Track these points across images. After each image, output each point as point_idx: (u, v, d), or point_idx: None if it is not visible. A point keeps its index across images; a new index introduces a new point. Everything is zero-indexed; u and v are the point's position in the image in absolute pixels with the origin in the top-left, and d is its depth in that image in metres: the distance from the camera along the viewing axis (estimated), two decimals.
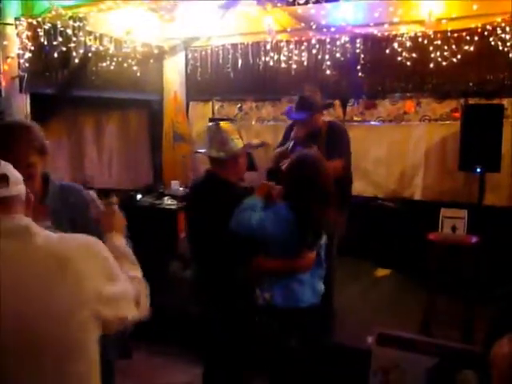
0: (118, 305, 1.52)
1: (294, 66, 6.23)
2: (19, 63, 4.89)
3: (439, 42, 5.43)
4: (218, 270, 2.90)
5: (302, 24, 5.75)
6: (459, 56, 5.36)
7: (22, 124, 2.04)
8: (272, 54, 6.35)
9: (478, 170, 4.75)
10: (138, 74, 6.32)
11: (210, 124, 3.23)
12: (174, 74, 7.09)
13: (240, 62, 6.58)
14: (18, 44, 4.86)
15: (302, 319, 2.90)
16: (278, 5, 5.37)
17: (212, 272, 2.96)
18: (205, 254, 2.97)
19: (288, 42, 6.26)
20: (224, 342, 2.99)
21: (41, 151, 1.98)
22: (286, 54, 6.27)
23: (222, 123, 3.03)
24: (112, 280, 1.51)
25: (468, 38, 5.32)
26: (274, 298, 2.88)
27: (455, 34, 5.37)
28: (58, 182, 2.28)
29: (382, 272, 5.80)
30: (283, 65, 6.29)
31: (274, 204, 2.83)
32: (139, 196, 5.75)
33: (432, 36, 5.45)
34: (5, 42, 4.81)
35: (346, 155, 4.19)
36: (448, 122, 5.74)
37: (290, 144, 4.15)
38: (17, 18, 4.82)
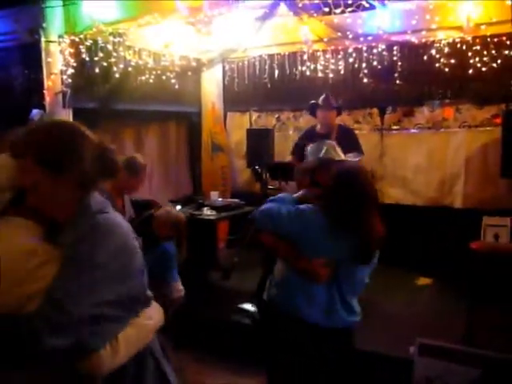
0: None
1: (331, 75, 6.24)
2: (62, 79, 5.04)
3: (478, 48, 5.36)
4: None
5: (339, 33, 5.75)
6: (499, 61, 5.28)
7: None
8: (309, 64, 6.39)
9: None
10: (177, 87, 6.43)
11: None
12: (211, 86, 7.17)
13: (277, 72, 6.63)
14: (61, 60, 5.01)
15: (297, 332, 2.73)
16: (314, 15, 5.39)
17: None
18: None
19: (324, 52, 6.28)
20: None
21: None
22: (322, 63, 6.30)
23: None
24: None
25: (508, 42, 5.24)
26: (276, 297, 2.81)
27: (495, 39, 5.29)
28: None
29: (423, 281, 5.73)
30: (320, 74, 6.31)
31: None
32: (179, 207, 5.81)
33: (471, 41, 5.38)
34: (49, 59, 4.97)
35: (362, 152, 5.07)
36: (489, 128, 5.65)
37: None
38: (60, 36, 4.97)
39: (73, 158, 1.57)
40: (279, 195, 2.95)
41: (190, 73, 6.69)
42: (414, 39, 5.61)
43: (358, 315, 2.83)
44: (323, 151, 3.11)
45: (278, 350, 2.86)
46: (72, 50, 5.05)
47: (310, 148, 3.28)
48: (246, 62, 6.90)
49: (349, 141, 4.92)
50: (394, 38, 5.67)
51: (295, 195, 2.98)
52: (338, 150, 3.21)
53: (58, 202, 1.60)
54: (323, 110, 5.14)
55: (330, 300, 2.70)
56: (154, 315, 1.83)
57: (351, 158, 3.44)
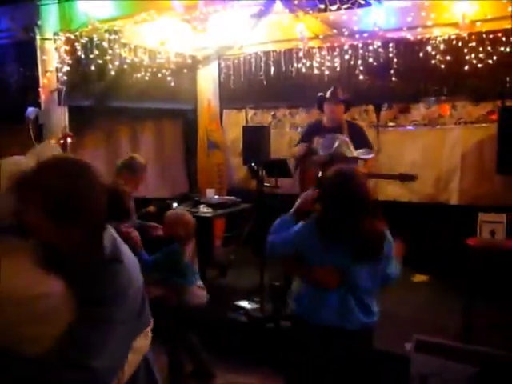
0: None
1: (327, 72, 6.23)
2: (57, 77, 5.02)
3: (474, 44, 5.35)
4: None
5: (334, 30, 5.74)
6: (495, 57, 5.28)
7: None
8: (304, 61, 6.37)
9: None
10: (172, 84, 6.41)
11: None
12: (207, 83, 7.16)
13: (273, 69, 6.61)
14: (56, 58, 4.99)
15: (317, 336, 2.80)
16: (310, 12, 5.38)
17: None
18: None
19: (320, 49, 6.26)
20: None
21: None
22: (318, 60, 6.28)
23: None
24: None
25: (504, 38, 5.24)
26: (296, 309, 2.89)
27: (490, 36, 5.29)
28: None
29: (419, 278, 5.74)
30: (316, 71, 6.30)
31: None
32: (175, 204, 5.81)
33: (466, 38, 5.37)
34: (44, 57, 4.95)
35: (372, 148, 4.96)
36: (484, 125, 5.67)
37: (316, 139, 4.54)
38: (55, 33, 4.95)
39: (79, 209, 1.48)
40: (276, 223, 2.98)
41: (185, 70, 6.67)
42: (409, 36, 5.59)
43: (375, 315, 2.85)
44: (335, 145, 3.08)
45: (297, 354, 2.91)
46: (67, 48, 5.02)
47: (322, 140, 3.26)
48: (241, 59, 6.88)
49: (359, 137, 4.88)
50: (390, 35, 5.66)
51: (292, 210, 2.99)
52: (351, 146, 3.18)
53: (63, 245, 1.51)
54: (330, 103, 5.07)
55: (345, 304, 2.74)
56: (149, 331, 1.84)
57: (363, 154, 3.35)
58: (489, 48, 5.30)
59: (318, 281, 2.74)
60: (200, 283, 3.99)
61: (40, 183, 1.47)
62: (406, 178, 4.43)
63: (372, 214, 2.66)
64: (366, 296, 2.79)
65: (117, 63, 5.49)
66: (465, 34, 5.36)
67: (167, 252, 3.83)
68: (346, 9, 5.04)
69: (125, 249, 1.68)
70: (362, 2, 4.98)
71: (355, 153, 3.19)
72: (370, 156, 3.71)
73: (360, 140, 4.80)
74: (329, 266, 2.70)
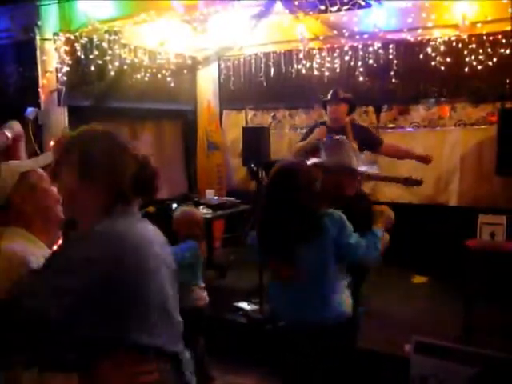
0: None
1: (327, 74, 6.23)
2: (57, 77, 5.01)
3: (474, 46, 5.36)
4: None
5: (335, 31, 5.75)
6: (495, 59, 5.29)
7: None
8: (304, 62, 6.38)
9: None
10: (172, 85, 6.41)
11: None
12: (207, 84, 7.16)
13: (273, 70, 6.62)
14: (56, 58, 4.99)
15: (284, 334, 2.86)
16: (310, 13, 5.38)
17: None
18: None
19: (320, 50, 6.27)
20: None
21: None
22: (318, 61, 6.29)
23: None
24: None
25: (504, 40, 5.25)
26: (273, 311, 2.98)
27: (490, 37, 5.31)
28: None
29: (419, 279, 5.73)
30: (316, 72, 6.30)
31: None
32: (175, 205, 5.79)
33: (466, 40, 5.39)
34: (44, 57, 4.95)
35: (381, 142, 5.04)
36: (484, 127, 5.67)
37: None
38: (55, 34, 4.95)
39: (110, 170, 1.57)
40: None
41: (185, 71, 6.66)
42: (409, 37, 5.61)
43: (338, 308, 2.71)
44: (343, 154, 3.00)
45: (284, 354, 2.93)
46: (67, 48, 5.02)
47: (326, 140, 3.22)
48: (241, 60, 6.89)
49: (367, 137, 4.89)
50: (390, 36, 5.67)
51: None
52: (358, 155, 3.12)
53: (88, 209, 1.58)
54: (331, 103, 5.01)
55: (304, 298, 2.70)
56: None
57: (366, 165, 3.23)
58: (489, 50, 5.31)
59: (281, 275, 2.76)
60: (202, 284, 3.96)
61: (75, 144, 1.61)
62: (411, 182, 4.44)
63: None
64: (323, 288, 2.70)
65: (116, 64, 5.49)
66: (465, 36, 5.38)
67: (188, 250, 3.72)
68: (346, 10, 5.04)
69: (136, 222, 1.66)
70: (363, 3, 4.98)
71: (359, 163, 3.08)
72: (373, 170, 3.58)
73: (368, 139, 4.85)
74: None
